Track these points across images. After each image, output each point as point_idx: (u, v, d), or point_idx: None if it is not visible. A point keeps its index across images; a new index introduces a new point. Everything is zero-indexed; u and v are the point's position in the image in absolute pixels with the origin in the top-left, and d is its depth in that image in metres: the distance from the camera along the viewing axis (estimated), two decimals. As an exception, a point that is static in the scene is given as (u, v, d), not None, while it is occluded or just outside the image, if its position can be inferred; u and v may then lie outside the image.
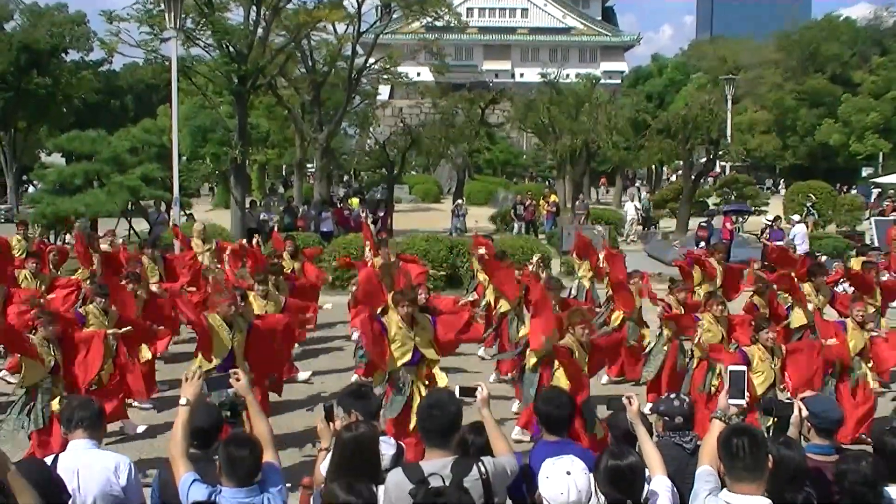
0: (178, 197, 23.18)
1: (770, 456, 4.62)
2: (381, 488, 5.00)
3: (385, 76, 40.67)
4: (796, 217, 29.83)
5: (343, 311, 16.77)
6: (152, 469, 6.07)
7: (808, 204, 35.03)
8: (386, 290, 11.06)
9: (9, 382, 12.57)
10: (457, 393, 5.51)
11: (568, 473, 4.71)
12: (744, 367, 5.64)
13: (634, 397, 5.57)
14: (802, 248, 25.68)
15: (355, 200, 37.07)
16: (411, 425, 8.98)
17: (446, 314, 10.31)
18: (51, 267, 15.27)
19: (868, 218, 35.52)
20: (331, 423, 5.74)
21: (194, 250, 17.48)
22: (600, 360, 10.08)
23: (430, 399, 5.30)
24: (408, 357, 9.55)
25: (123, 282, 12.05)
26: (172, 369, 13.96)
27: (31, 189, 44.38)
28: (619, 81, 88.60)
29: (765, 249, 22.69)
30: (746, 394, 5.39)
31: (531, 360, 10.43)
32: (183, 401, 5.38)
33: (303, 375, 14.11)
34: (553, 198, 37.45)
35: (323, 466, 5.52)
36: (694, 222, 33.34)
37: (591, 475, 4.80)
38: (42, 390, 9.27)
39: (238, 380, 5.60)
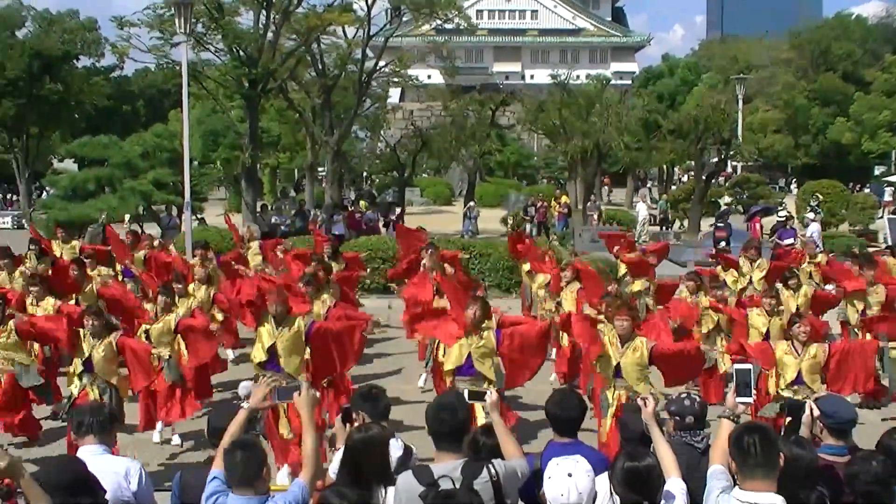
0: (189, 201, 23.22)
1: (782, 454, 4.62)
2: (391, 490, 5.01)
3: (395, 79, 40.72)
4: (811, 215, 29.69)
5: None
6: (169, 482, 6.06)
7: (815, 203, 34.83)
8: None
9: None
10: (466, 397, 5.51)
11: (569, 475, 4.70)
12: (749, 366, 5.62)
13: (650, 398, 5.56)
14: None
15: (363, 203, 37.08)
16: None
17: (518, 325, 9.78)
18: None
19: (882, 216, 35.36)
20: (347, 425, 5.73)
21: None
22: (672, 370, 9.37)
23: (438, 402, 5.28)
24: (458, 363, 9.28)
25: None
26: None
27: (43, 195, 44.57)
28: (629, 82, 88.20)
29: (775, 248, 22.60)
30: (753, 391, 5.39)
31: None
32: (245, 403, 5.45)
33: None
34: (564, 199, 37.40)
35: (332, 467, 5.53)
36: (706, 223, 33.26)
37: (595, 477, 4.77)
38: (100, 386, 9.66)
39: (300, 394, 5.55)
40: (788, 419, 5.73)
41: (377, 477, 5.01)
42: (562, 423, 5.81)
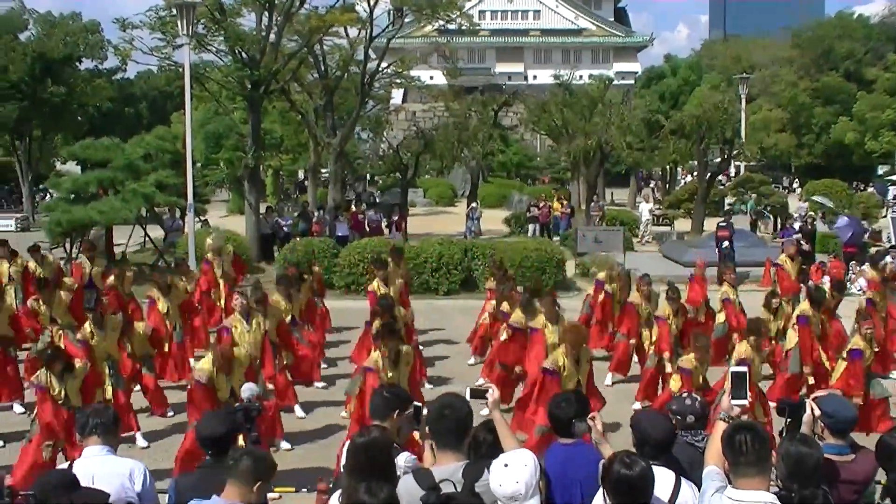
0: (192, 203, 23.21)
1: (774, 452, 4.65)
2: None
3: (398, 80, 40.70)
4: (801, 212, 29.73)
5: (358, 316, 16.79)
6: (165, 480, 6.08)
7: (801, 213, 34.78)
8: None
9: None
10: (467, 395, 5.50)
11: (505, 465, 4.73)
12: (745, 368, 5.66)
13: (598, 416, 5.63)
14: (805, 247, 25.60)
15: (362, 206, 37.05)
16: None
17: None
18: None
19: (885, 216, 35.33)
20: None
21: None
22: None
23: (441, 401, 5.26)
24: None
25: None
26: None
27: (47, 197, 44.60)
28: (632, 82, 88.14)
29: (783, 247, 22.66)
30: (749, 394, 5.45)
31: None
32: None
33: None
34: (557, 203, 37.24)
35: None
36: (709, 223, 33.21)
37: (537, 469, 4.77)
38: None
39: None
40: (788, 419, 5.70)
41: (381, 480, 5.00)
42: (559, 424, 5.81)
